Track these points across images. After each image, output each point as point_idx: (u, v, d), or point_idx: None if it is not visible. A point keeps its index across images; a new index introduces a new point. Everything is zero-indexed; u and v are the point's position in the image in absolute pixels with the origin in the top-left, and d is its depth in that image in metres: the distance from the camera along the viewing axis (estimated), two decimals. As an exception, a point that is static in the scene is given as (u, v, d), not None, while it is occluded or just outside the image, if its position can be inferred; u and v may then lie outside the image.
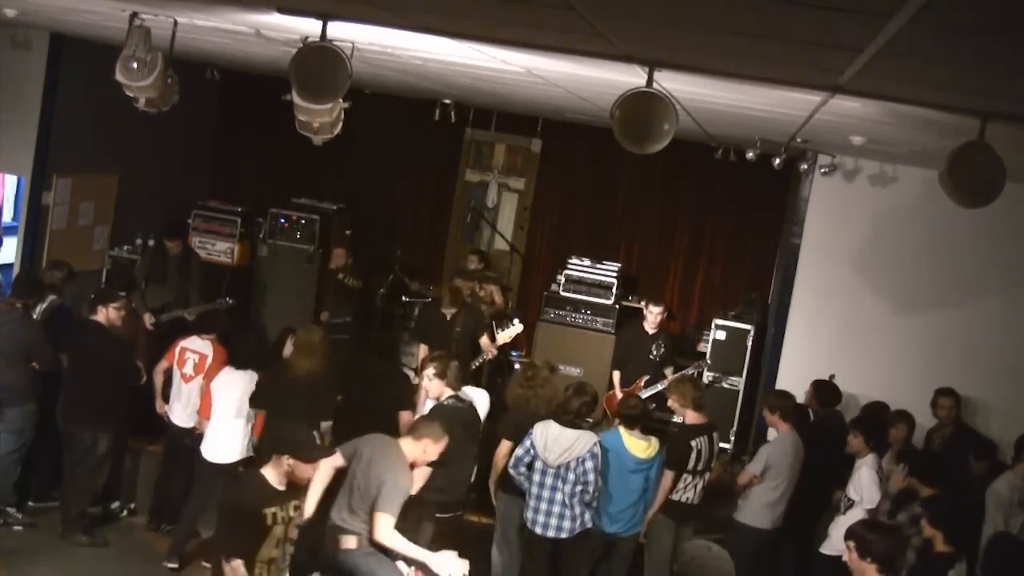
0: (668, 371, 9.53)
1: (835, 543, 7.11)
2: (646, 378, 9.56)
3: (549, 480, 6.82)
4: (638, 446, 7.11)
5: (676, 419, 8.46)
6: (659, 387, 9.47)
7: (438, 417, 6.62)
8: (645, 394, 9.26)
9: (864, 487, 7.06)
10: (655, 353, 9.62)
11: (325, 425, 7.35)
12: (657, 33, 3.65)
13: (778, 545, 7.75)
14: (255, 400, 7.37)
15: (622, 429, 7.15)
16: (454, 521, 7.06)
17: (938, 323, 8.79)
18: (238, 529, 5.18)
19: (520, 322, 9.05)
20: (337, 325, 10.58)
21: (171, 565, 7.54)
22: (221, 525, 5.53)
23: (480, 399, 7.49)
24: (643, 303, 10.12)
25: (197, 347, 7.97)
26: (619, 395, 9.38)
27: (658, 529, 7.27)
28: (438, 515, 6.86)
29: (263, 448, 7.31)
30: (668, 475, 7.16)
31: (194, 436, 7.76)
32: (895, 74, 3.64)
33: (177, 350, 8.01)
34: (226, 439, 7.46)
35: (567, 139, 12.12)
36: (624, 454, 7.07)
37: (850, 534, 5.30)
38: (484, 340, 8.86)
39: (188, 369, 7.93)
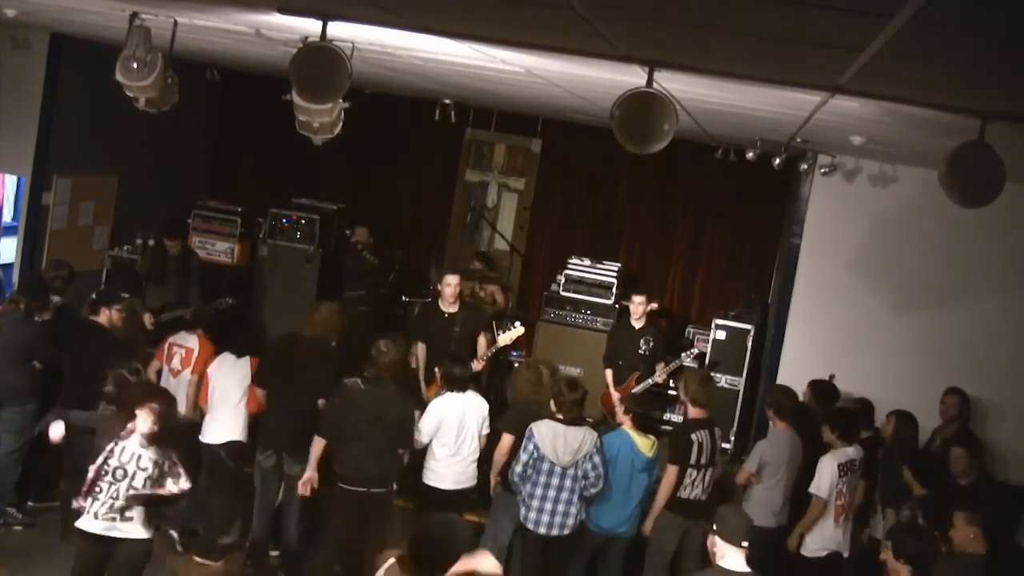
0: (659, 366, 9.51)
1: (808, 544, 7.18)
2: (637, 374, 9.54)
3: (556, 480, 6.82)
4: (645, 444, 7.13)
5: (673, 417, 8.46)
6: (651, 383, 9.48)
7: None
8: (637, 390, 9.25)
9: (816, 477, 7.10)
10: (644, 348, 9.59)
11: (322, 403, 7.37)
12: (657, 33, 3.65)
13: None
14: (258, 377, 7.46)
15: (630, 429, 7.16)
16: (368, 498, 6.96)
17: (938, 323, 8.78)
18: None
19: (521, 324, 9.04)
20: (352, 298, 10.66)
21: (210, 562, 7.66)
22: None
23: (476, 403, 7.46)
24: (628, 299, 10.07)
25: (183, 341, 8.05)
26: (614, 394, 9.35)
27: (665, 527, 7.20)
28: (343, 485, 6.92)
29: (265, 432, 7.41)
30: (672, 470, 7.13)
31: (188, 427, 7.82)
32: (895, 74, 3.63)
33: (166, 346, 8.10)
34: (222, 424, 7.58)
35: (567, 139, 12.12)
36: (637, 454, 7.08)
37: (889, 533, 5.35)
38: (481, 341, 8.84)
39: (175, 364, 8.01)
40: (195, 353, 7.97)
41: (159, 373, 8.09)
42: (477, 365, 8.47)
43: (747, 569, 4.90)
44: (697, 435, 7.15)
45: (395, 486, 7.15)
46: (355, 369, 7.45)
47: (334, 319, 7.52)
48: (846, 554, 7.27)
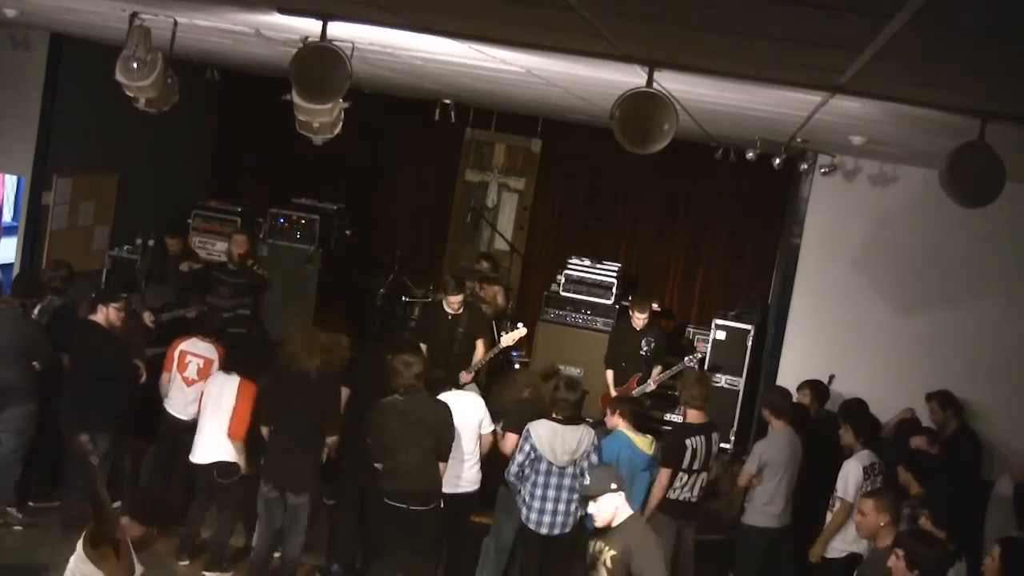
0: (656, 370, 9.53)
1: (832, 544, 7.12)
2: (638, 376, 9.55)
3: (554, 480, 6.81)
4: (645, 443, 7.15)
5: (673, 418, 8.43)
6: (651, 384, 9.48)
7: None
8: (637, 392, 9.26)
9: (841, 479, 7.03)
10: (646, 349, 9.61)
11: (331, 440, 7.27)
12: (657, 33, 3.64)
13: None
14: (261, 416, 7.24)
15: (627, 429, 7.15)
16: (407, 514, 6.79)
17: (938, 323, 8.78)
18: None
19: (523, 326, 9.04)
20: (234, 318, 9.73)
21: (183, 563, 7.57)
22: None
23: (473, 403, 7.41)
24: (629, 307, 10.05)
25: (200, 351, 7.86)
26: (613, 394, 9.36)
27: (658, 530, 7.20)
28: (387, 501, 6.81)
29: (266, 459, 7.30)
30: (664, 472, 7.11)
31: (193, 431, 7.77)
32: (895, 74, 3.63)
33: (176, 354, 7.88)
34: (210, 441, 7.40)
35: (567, 139, 12.13)
36: (637, 453, 7.08)
37: (900, 542, 5.28)
38: (479, 345, 8.82)
39: (191, 373, 7.82)
40: (215, 364, 7.74)
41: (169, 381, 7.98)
42: (466, 377, 8.46)
43: None
44: (692, 440, 7.12)
45: (441, 504, 6.89)
46: None
47: (340, 354, 7.33)
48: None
